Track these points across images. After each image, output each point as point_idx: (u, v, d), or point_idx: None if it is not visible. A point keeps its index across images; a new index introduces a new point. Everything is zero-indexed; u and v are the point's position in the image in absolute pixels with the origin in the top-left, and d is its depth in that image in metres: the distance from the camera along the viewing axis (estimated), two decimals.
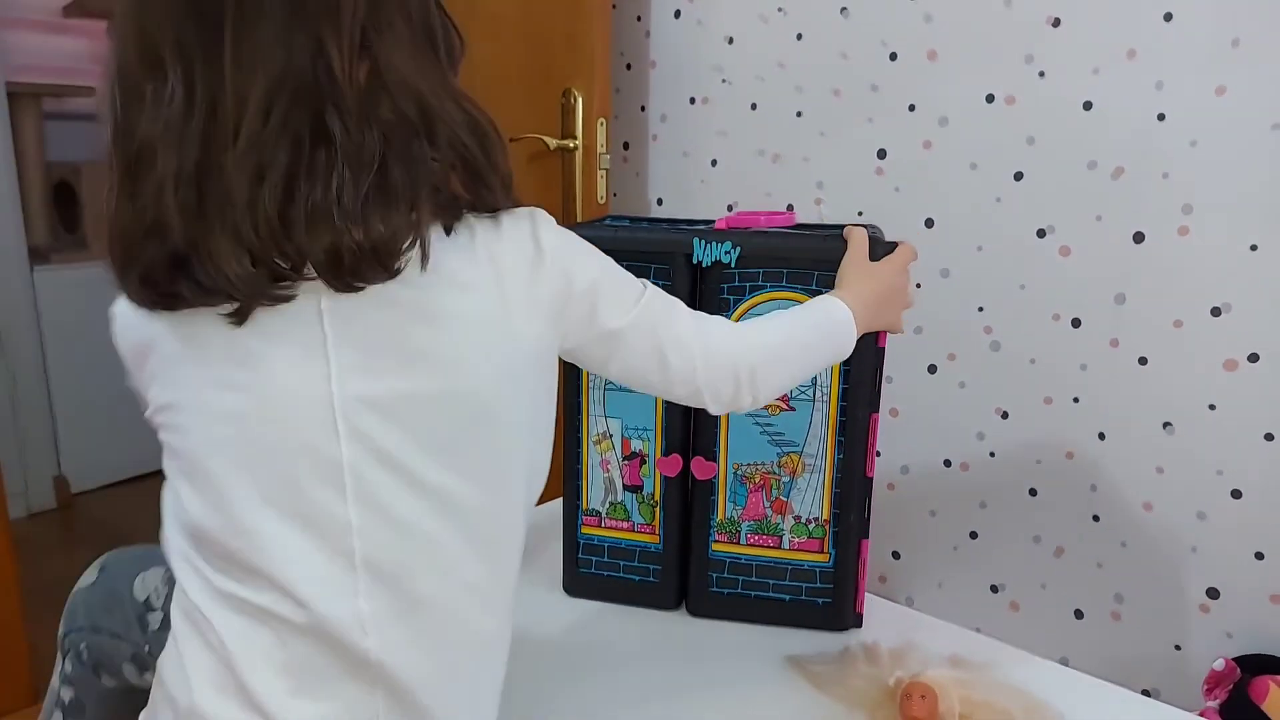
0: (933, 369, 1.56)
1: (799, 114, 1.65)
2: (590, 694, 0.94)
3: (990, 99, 1.44)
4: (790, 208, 1.68)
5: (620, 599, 1.12)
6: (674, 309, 0.78)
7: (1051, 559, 1.48)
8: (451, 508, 0.66)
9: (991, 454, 1.52)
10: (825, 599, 1.06)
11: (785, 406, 1.03)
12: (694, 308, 1.02)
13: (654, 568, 1.11)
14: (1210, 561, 1.33)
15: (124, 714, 0.92)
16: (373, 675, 0.64)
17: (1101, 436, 1.41)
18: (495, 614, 0.71)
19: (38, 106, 2.77)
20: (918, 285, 1.55)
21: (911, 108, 1.52)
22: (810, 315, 0.86)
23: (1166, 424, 1.34)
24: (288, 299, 0.60)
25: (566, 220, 1.78)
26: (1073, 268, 1.40)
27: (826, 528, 1.05)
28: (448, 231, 0.64)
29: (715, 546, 1.08)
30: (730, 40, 1.72)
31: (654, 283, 1.03)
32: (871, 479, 1.05)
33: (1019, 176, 1.43)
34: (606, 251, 1.05)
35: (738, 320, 1.00)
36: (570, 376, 1.08)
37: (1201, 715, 1.21)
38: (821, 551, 1.06)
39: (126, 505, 2.71)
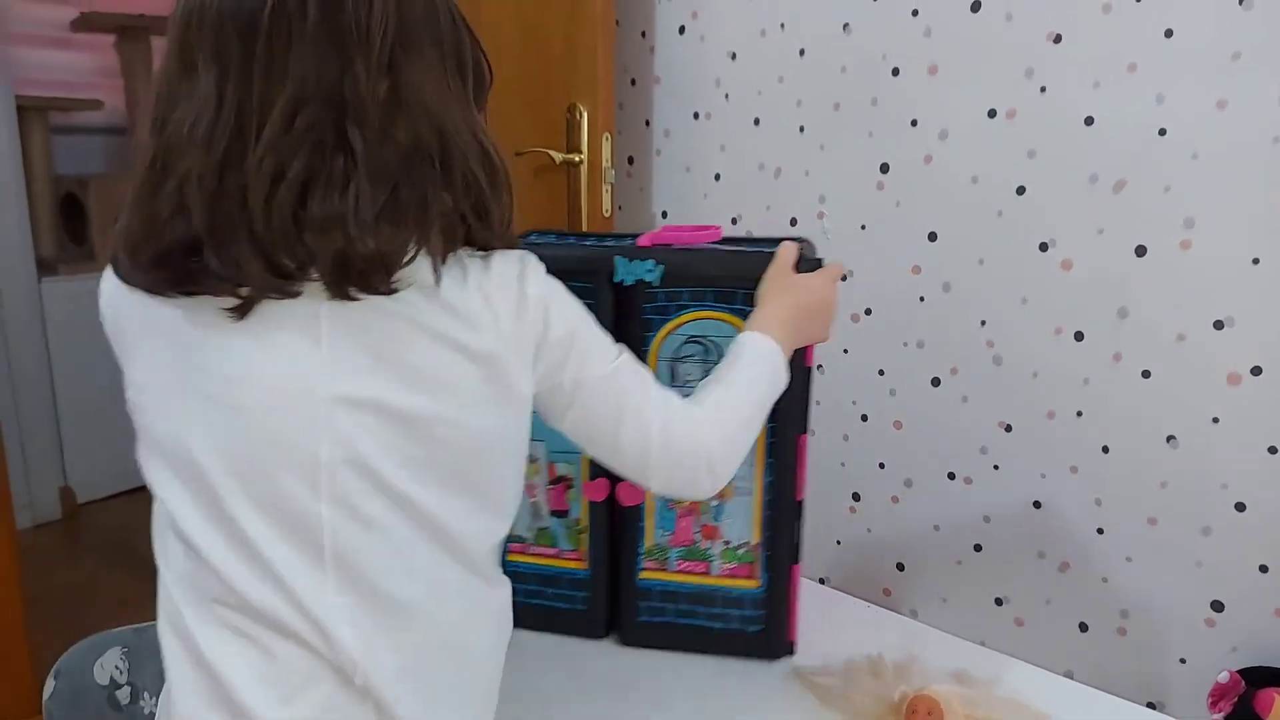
0: (936, 382, 1.57)
1: (801, 128, 1.66)
2: None
3: (992, 113, 1.45)
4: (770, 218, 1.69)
5: (548, 627, 1.07)
6: (645, 381, 0.76)
7: (1056, 573, 1.48)
8: (427, 519, 0.67)
9: (995, 467, 1.52)
10: (757, 626, 1.02)
11: None
12: (616, 330, 0.98)
13: (582, 595, 1.06)
14: (1215, 575, 1.33)
15: None
16: (353, 676, 0.65)
17: (1105, 450, 1.41)
18: (481, 628, 0.72)
19: (45, 120, 2.79)
20: (920, 299, 1.56)
21: (913, 122, 1.53)
22: (751, 369, 0.83)
23: (1170, 437, 1.34)
24: (294, 295, 0.62)
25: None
26: (1075, 281, 1.40)
27: (757, 553, 1.01)
28: (443, 260, 0.65)
29: (643, 574, 1.04)
30: (733, 55, 1.73)
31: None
32: (802, 502, 1.01)
33: (1020, 190, 1.44)
34: None
35: (662, 340, 0.98)
36: None
37: None
38: (752, 577, 1.01)
39: (132, 515, 2.71)
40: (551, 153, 1.77)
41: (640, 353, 0.97)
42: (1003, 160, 1.44)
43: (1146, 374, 1.36)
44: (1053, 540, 1.48)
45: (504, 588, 0.76)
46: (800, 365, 0.95)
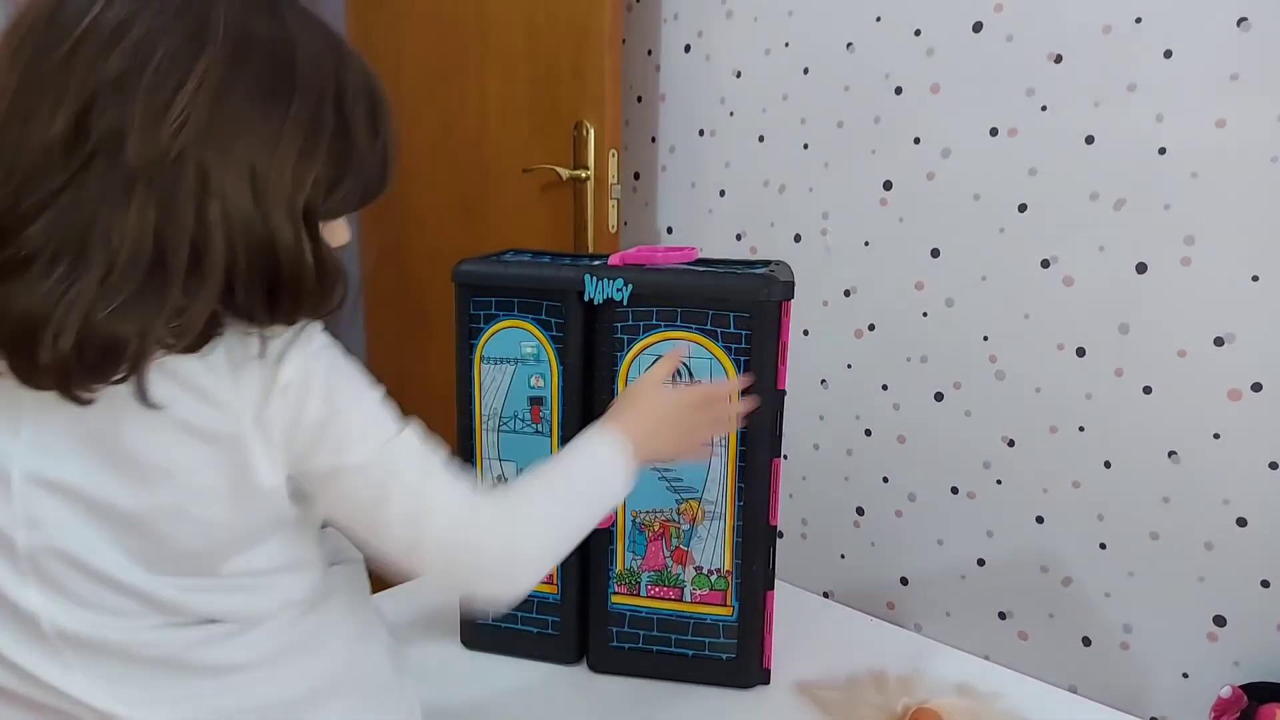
0: (939, 397, 1.58)
1: (805, 146, 1.68)
2: None
3: (993, 132, 1.46)
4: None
5: (519, 652, 1.05)
6: (428, 463, 0.67)
7: (1059, 587, 1.49)
8: (168, 605, 0.62)
9: (998, 482, 1.53)
10: (729, 654, 1.00)
11: None
12: (588, 347, 0.99)
13: (553, 620, 1.04)
14: (1217, 590, 1.34)
15: None
16: None
17: (1107, 465, 1.42)
18: (313, 651, 0.68)
19: None
20: (923, 314, 1.58)
21: (916, 140, 1.54)
22: (580, 467, 0.76)
23: (1172, 453, 1.35)
24: None
25: (578, 248, 1.82)
26: (1076, 297, 1.42)
27: (729, 579, 0.99)
28: (202, 344, 0.58)
29: (615, 599, 1.02)
30: (738, 74, 1.75)
31: (547, 320, 1.00)
32: (775, 526, 0.99)
33: (1022, 208, 1.45)
34: (500, 287, 1.01)
35: (633, 360, 0.96)
36: (463, 414, 1.03)
37: None
38: (725, 604, 0.99)
39: None
40: (558, 169, 1.79)
41: (611, 372, 0.97)
42: (1004, 178, 1.46)
43: (1148, 390, 1.37)
44: (1055, 555, 1.49)
45: (332, 600, 0.70)
46: (771, 389, 0.94)
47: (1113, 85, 1.34)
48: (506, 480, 1.04)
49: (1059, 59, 1.39)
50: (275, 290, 0.58)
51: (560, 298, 0.97)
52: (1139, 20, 1.31)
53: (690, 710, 0.98)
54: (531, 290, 0.99)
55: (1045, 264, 1.44)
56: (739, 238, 1.80)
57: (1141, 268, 1.35)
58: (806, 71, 1.66)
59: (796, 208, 1.71)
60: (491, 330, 1.02)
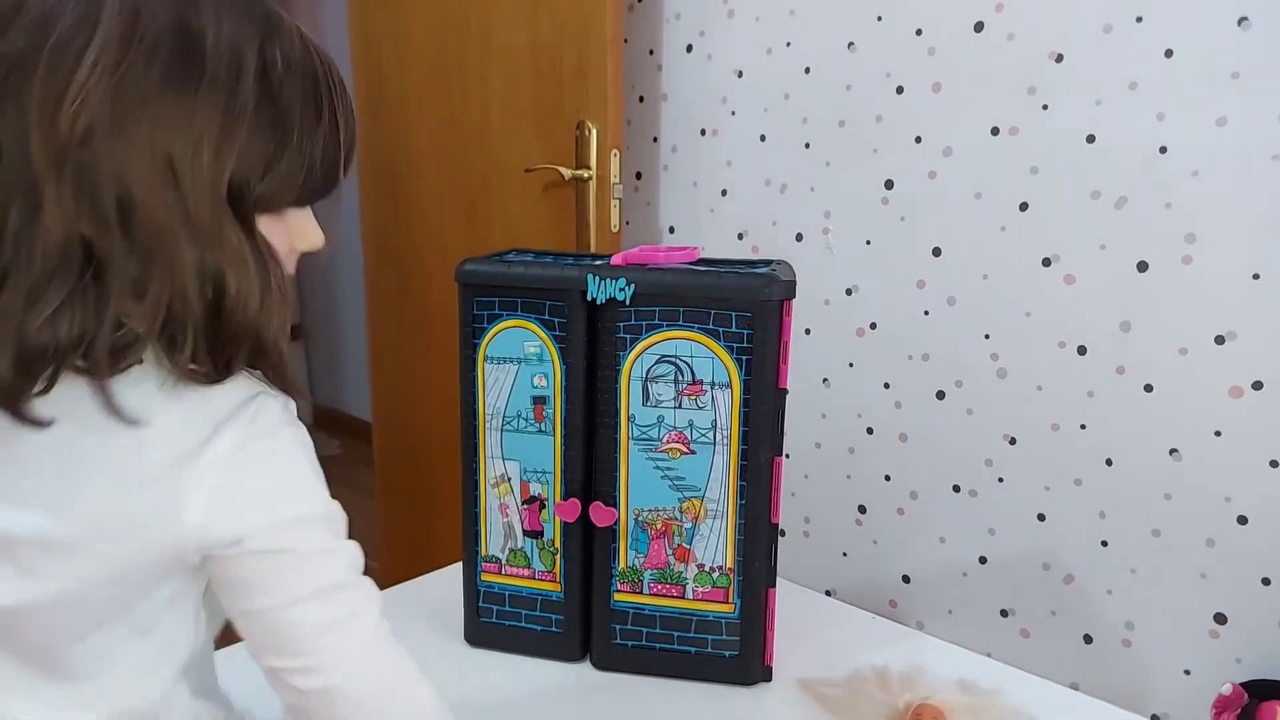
0: (940, 395, 1.58)
1: (806, 145, 1.69)
2: None
3: (995, 131, 1.47)
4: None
5: (523, 650, 1.05)
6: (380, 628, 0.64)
7: (1061, 585, 1.49)
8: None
9: (1000, 480, 1.54)
10: (731, 652, 1.00)
11: (685, 449, 0.98)
12: (591, 347, 0.98)
13: (556, 617, 1.04)
14: (1219, 587, 1.34)
15: None
16: None
17: (1109, 463, 1.42)
18: None
19: None
20: (925, 313, 1.58)
21: (917, 139, 1.55)
22: None
23: (1173, 450, 1.36)
24: None
25: (580, 247, 1.82)
26: (1078, 296, 1.42)
27: (731, 577, 0.99)
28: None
29: (618, 596, 1.02)
30: (739, 73, 1.75)
31: (550, 319, 0.99)
32: (778, 525, 0.99)
33: (1024, 206, 1.46)
34: (503, 287, 1.01)
35: (635, 359, 0.96)
36: (466, 414, 1.03)
37: None
38: (726, 602, 1.00)
39: None
40: (560, 169, 1.79)
41: (614, 371, 0.97)
42: (1006, 177, 1.46)
43: (1149, 388, 1.37)
44: (1057, 552, 1.49)
45: None
46: (772, 386, 0.94)
47: (1114, 84, 1.35)
48: (509, 479, 1.05)
49: (1060, 58, 1.39)
50: (211, 312, 0.54)
51: (563, 297, 0.98)
52: (1140, 19, 1.31)
53: (693, 707, 0.98)
54: (534, 290, 0.99)
55: (1046, 262, 1.44)
56: (741, 237, 1.80)
57: (1142, 266, 1.36)
58: (808, 71, 1.66)
59: (798, 207, 1.71)
60: (495, 330, 1.02)
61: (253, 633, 0.59)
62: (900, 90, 1.56)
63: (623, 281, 0.95)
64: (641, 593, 1.02)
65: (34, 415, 0.52)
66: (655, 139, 1.91)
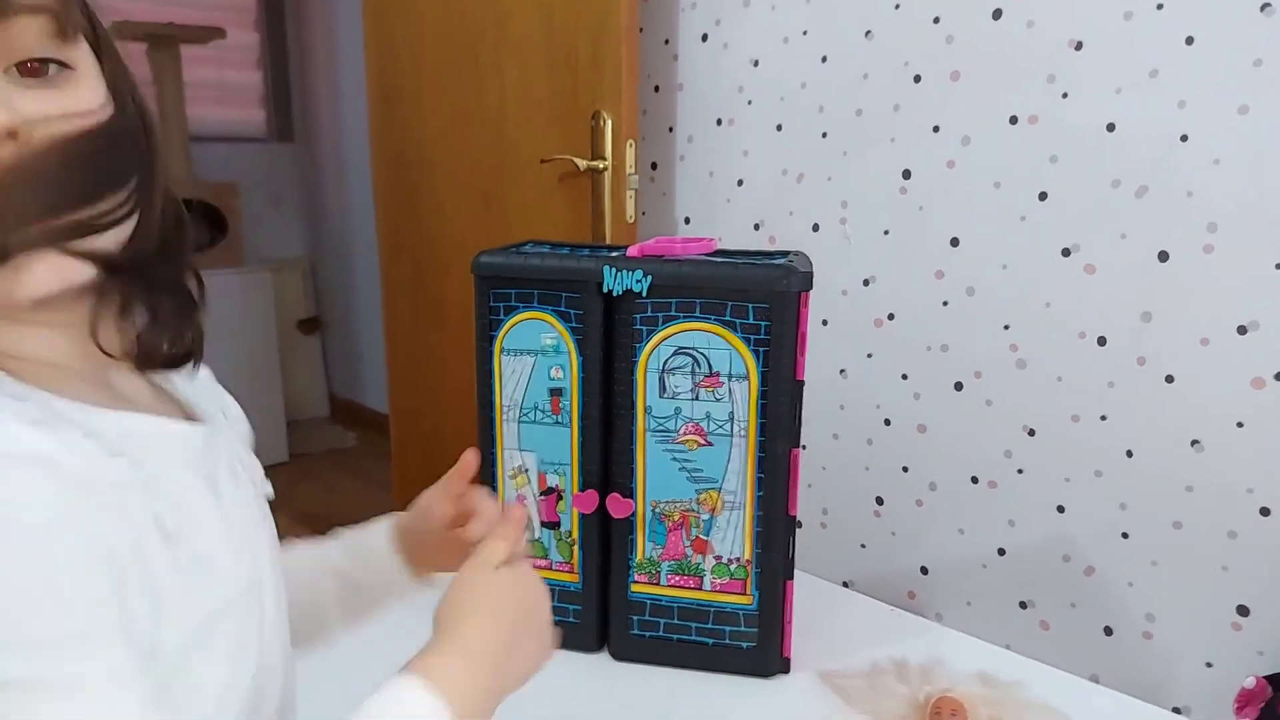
0: (959, 387, 1.57)
1: (823, 134, 1.68)
2: None
3: (1013, 119, 1.45)
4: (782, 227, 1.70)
5: None
6: None
7: (1081, 577, 1.48)
8: None
9: (1019, 471, 1.53)
10: (749, 643, 1.01)
11: (702, 441, 0.98)
12: (608, 338, 0.99)
13: (574, 608, 1.05)
14: (1241, 579, 1.33)
15: None
16: None
17: (1129, 454, 1.41)
18: None
19: None
20: (943, 303, 1.57)
21: (935, 128, 1.54)
22: None
23: (1194, 442, 1.35)
24: None
25: (596, 238, 1.82)
26: (1098, 286, 1.41)
27: (749, 568, 1.00)
28: None
29: (635, 587, 1.03)
30: (755, 62, 1.74)
31: (567, 311, 0.99)
32: (795, 517, 1.00)
33: (1043, 196, 1.44)
34: (520, 279, 1.01)
35: (651, 351, 0.96)
36: (483, 406, 1.03)
37: None
38: (744, 593, 1.00)
39: None
40: (575, 159, 1.79)
41: (630, 362, 0.98)
42: (1025, 166, 1.45)
43: (1170, 378, 1.36)
44: (1077, 544, 1.48)
45: None
46: (789, 378, 0.94)
47: (1134, 72, 1.33)
48: (526, 470, 1.05)
49: (1079, 46, 1.38)
50: None
51: (580, 289, 0.98)
52: (1160, 6, 1.30)
53: (711, 698, 0.99)
54: (551, 282, 1.00)
55: (1066, 252, 1.43)
56: (757, 227, 1.79)
57: (1163, 256, 1.34)
58: (825, 60, 1.65)
59: (815, 197, 1.70)
60: (511, 322, 1.02)
61: None
62: (918, 79, 1.55)
63: (639, 273, 0.96)
64: (659, 584, 1.03)
65: None
66: (671, 129, 1.90)
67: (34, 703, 0.38)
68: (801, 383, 0.97)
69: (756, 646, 1.02)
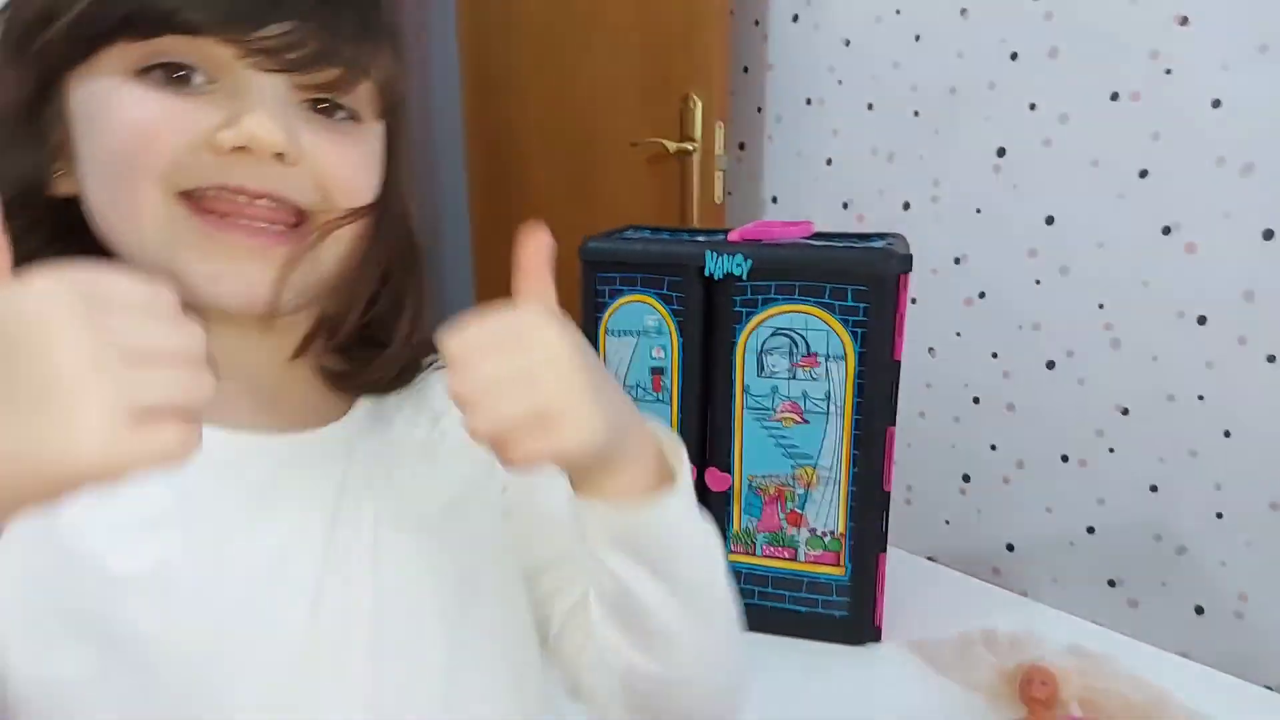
0: (1050, 365, 1.57)
1: (915, 113, 1.68)
2: None
3: (1114, 96, 1.44)
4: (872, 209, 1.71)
5: None
6: None
7: (1173, 556, 1.48)
8: None
9: (1111, 450, 1.53)
10: (842, 612, 1.04)
11: (799, 419, 1.01)
12: (708, 320, 1.01)
13: None
14: None
15: None
16: None
17: (1227, 435, 1.40)
18: None
19: None
20: (1036, 282, 1.57)
21: (1032, 106, 1.53)
22: None
23: None
24: None
25: (684, 220, 1.85)
26: (1199, 265, 1.39)
27: (842, 541, 1.02)
28: None
29: (731, 557, 1.06)
30: (846, 42, 1.75)
31: (669, 294, 1.02)
32: (889, 493, 1.02)
33: (1143, 174, 1.43)
34: (624, 263, 1.05)
35: (750, 333, 0.99)
36: None
37: None
38: (838, 564, 1.03)
39: None
40: (665, 142, 1.83)
41: (729, 344, 1.01)
42: (1125, 143, 1.44)
43: (1272, 359, 1.34)
44: (1170, 523, 1.48)
45: None
46: (887, 359, 0.97)
47: (1241, 47, 1.31)
48: None
49: (1185, 20, 1.35)
50: None
51: (681, 273, 1.02)
52: None
53: (805, 664, 1.03)
54: (654, 266, 1.04)
55: (1166, 230, 1.42)
56: (845, 206, 1.81)
57: (1269, 234, 1.32)
58: (918, 39, 1.65)
59: (906, 176, 1.71)
60: (616, 304, 1.07)
61: None
62: (1014, 56, 1.54)
63: (740, 257, 0.99)
64: (754, 554, 1.07)
65: None
66: (760, 109, 1.92)
67: None
68: (898, 363, 0.99)
69: (849, 615, 1.05)
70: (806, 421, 1.02)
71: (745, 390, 1.04)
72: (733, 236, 1.03)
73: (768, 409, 1.04)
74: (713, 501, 1.07)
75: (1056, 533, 1.61)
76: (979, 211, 1.62)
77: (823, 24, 1.78)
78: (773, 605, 1.07)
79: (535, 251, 0.46)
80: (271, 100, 0.45)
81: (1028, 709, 0.88)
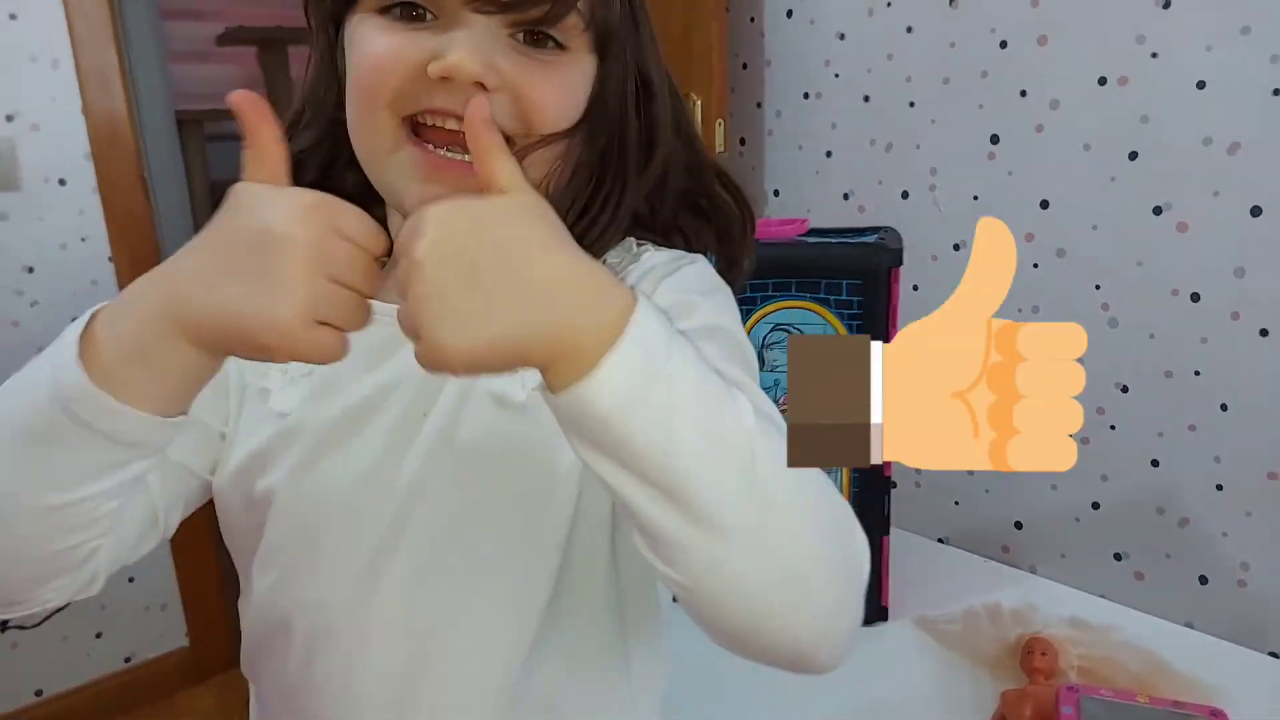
0: None
1: (911, 103, 1.71)
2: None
3: (1102, 81, 1.47)
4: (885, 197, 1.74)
5: None
6: None
7: (1176, 529, 1.52)
8: None
9: (1112, 427, 1.56)
10: None
11: None
12: None
13: None
14: None
15: None
16: None
17: (1224, 408, 1.43)
18: None
19: (201, 130, 3.06)
20: (1034, 265, 1.60)
21: (1023, 93, 1.56)
22: None
23: None
24: None
25: None
26: (1191, 243, 1.42)
27: None
28: None
29: None
30: (841, 36, 1.78)
31: None
32: (889, 478, 1.06)
33: (1133, 156, 1.46)
34: None
35: (750, 329, 1.01)
36: None
37: None
38: None
39: None
40: None
41: None
42: (1115, 127, 1.47)
43: (1264, 332, 1.37)
44: (1172, 497, 1.51)
45: None
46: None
47: (1224, 28, 1.34)
48: None
49: (1168, 4, 1.38)
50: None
51: None
52: None
53: None
54: None
55: (1158, 211, 1.45)
56: (846, 197, 1.84)
57: (1256, 211, 1.35)
58: (910, 30, 1.68)
59: (904, 165, 1.75)
60: None
61: None
62: (1004, 45, 1.57)
63: None
64: None
65: None
66: (759, 104, 1.96)
67: None
68: None
69: None
70: None
71: None
72: None
73: (772, 402, 1.08)
74: None
75: (1063, 510, 1.65)
76: (976, 198, 1.65)
77: (817, 19, 1.82)
78: None
79: (475, 111, 0.44)
80: (481, 34, 0.50)
81: (1029, 678, 0.92)
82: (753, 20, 1.92)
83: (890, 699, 0.97)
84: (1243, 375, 1.40)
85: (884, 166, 1.77)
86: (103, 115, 1.72)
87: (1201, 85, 1.37)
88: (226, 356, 0.43)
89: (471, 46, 0.49)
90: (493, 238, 0.39)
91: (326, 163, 0.58)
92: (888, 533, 1.09)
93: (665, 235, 0.62)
